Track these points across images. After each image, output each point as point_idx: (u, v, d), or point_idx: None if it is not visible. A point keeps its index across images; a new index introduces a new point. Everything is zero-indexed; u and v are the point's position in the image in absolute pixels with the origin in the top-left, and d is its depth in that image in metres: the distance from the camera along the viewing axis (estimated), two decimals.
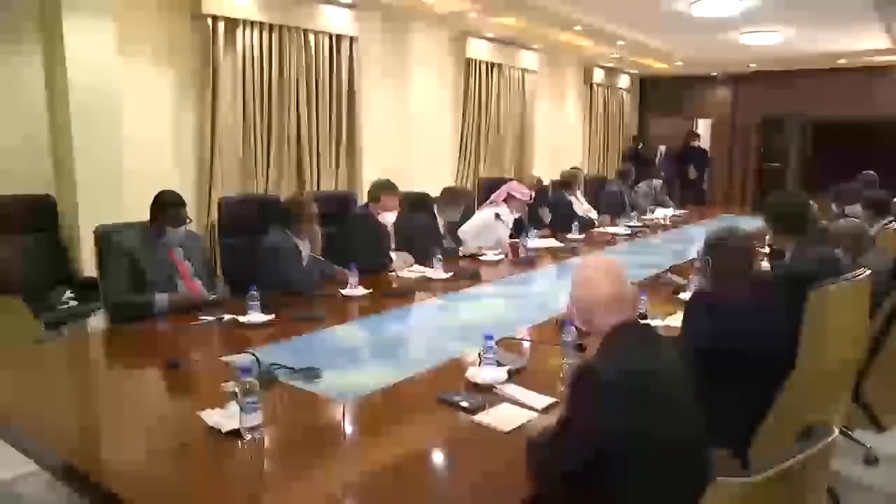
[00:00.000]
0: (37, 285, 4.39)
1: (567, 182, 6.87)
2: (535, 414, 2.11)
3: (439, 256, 4.14)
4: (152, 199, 3.45)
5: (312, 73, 6.45)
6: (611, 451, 1.58)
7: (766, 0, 6.83)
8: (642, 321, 1.98)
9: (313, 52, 6.44)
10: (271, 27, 6.04)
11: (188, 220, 3.48)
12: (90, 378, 2.75)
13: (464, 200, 5.17)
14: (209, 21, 5.56)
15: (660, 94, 13.42)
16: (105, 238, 3.48)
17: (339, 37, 6.67)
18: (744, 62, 11.31)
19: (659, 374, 1.70)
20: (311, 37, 6.42)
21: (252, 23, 5.88)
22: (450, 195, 5.06)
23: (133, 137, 5.08)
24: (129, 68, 5.06)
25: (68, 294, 4.35)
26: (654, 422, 1.60)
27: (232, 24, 5.74)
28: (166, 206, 3.43)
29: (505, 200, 5.45)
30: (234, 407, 1.96)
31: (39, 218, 4.63)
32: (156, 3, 5.30)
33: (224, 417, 1.98)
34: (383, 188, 4.49)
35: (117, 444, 2.06)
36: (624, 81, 12.67)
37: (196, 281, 3.45)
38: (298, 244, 3.83)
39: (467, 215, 5.41)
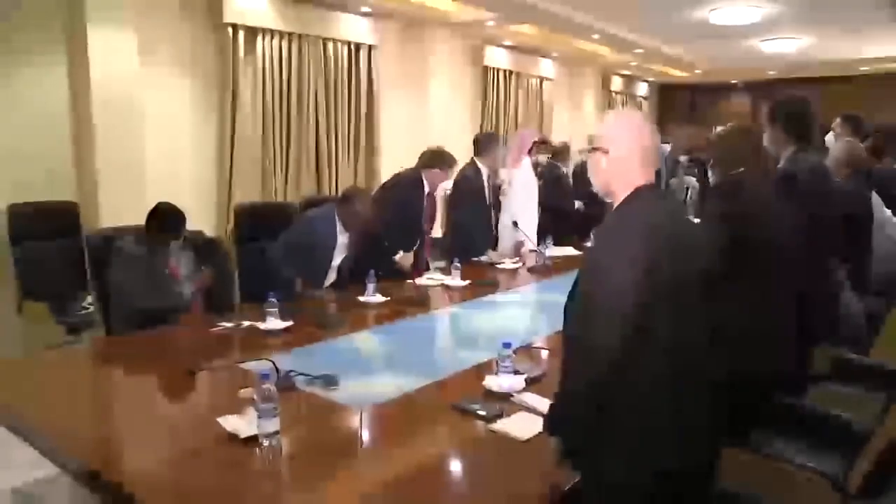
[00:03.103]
0: (59, 291, 4.44)
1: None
2: None
3: (457, 264, 4.13)
4: (150, 210, 3.40)
5: (331, 81, 6.50)
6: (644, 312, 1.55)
7: (786, 7, 6.79)
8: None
9: (332, 60, 6.49)
10: (291, 36, 6.09)
11: (184, 236, 3.45)
12: (110, 383, 2.78)
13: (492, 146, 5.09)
14: (229, 30, 5.63)
15: (678, 102, 13.36)
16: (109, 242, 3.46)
17: (357, 45, 6.72)
18: (763, 70, 11.25)
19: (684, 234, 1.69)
20: (330, 45, 6.47)
21: (272, 31, 5.94)
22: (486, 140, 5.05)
23: (154, 144, 5.14)
24: (151, 76, 5.12)
25: (89, 300, 4.40)
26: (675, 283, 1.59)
27: (252, 32, 5.80)
28: (166, 223, 3.40)
29: (529, 151, 5.46)
30: (252, 413, 1.97)
31: (63, 224, 4.68)
32: (178, 12, 5.37)
33: (242, 423, 1.99)
34: (442, 161, 4.48)
35: (137, 449, 2.07)
36: (642, 89, 12.64)
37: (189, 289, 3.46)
38: (339, 236, 3.85)
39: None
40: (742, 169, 2.50)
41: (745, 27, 7.72)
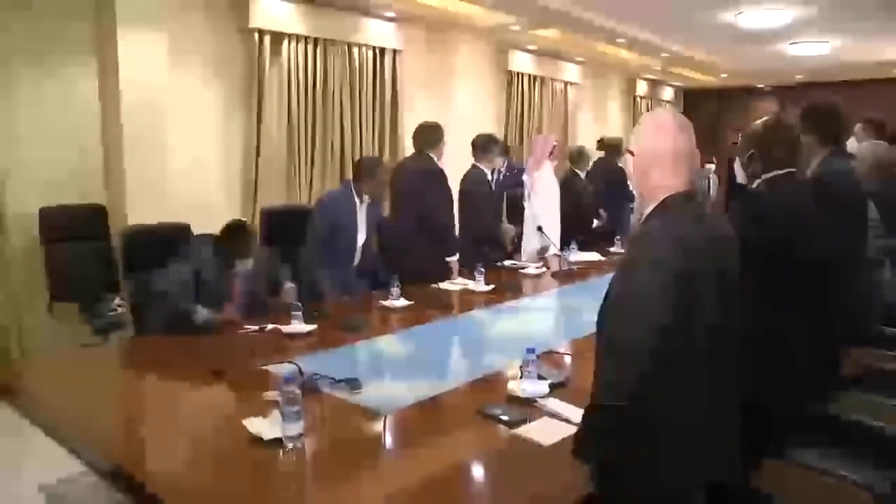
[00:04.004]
0: (88, 292, 4.50)
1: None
2: (575, 428, 2.08)
3: (481, 269, 4.12)
4: (224, 227, 3.36)
5: (356, 86, 6.53)
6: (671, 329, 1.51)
7: (816, 10, 6.69)
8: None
9: (357, 64, 6.53)
10: (316, 41, 6.13)
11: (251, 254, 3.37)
12: (137, 383, 2.80)
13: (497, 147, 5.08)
14: (256, 35, 5.68)
15: (703, 107, 13.24)
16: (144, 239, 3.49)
17: (382, 50, 6.75)
18: (791, 73, 11.11)
19: (710, 252, 1.64)
20: (356, 50, 6.50)
21: (297, 36, 5.98)
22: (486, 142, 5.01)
23: (181, 148, 5.20)
24: (179, 81, 5.17)
25: (117, 301, 4.45)
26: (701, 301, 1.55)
27: (278, 37, 5.84)
28: (237, 234, 3.34)
29: (550, 155, 5.45)
30: (276, 416, 1.98)
31: (91, 227, 4.74)
32: (204, 17, 5.42)
33: (266, 426, 2.00)
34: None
35: (162, 449, 2.09)
36: (668, 94, 12.56)
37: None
38: (356, 202, 3.87)
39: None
40: (778, 171, 2.42)
41: (773, 30, 7.63)
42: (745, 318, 1.68)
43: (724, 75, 11.28)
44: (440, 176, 4.36)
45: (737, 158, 2.59)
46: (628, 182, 6.06)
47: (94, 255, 4.65)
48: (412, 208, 4.28)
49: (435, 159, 4.41)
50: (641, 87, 11.65)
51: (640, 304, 1.54)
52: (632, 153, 1.77)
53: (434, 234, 4.27)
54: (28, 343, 4.36)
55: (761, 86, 12.42)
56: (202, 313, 3.17)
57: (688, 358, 1.55)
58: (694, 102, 13.38)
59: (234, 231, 3.34)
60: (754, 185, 2.46)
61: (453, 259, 4.38)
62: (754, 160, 2.44)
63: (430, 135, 4.46)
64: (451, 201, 4.53)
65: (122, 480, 1.89)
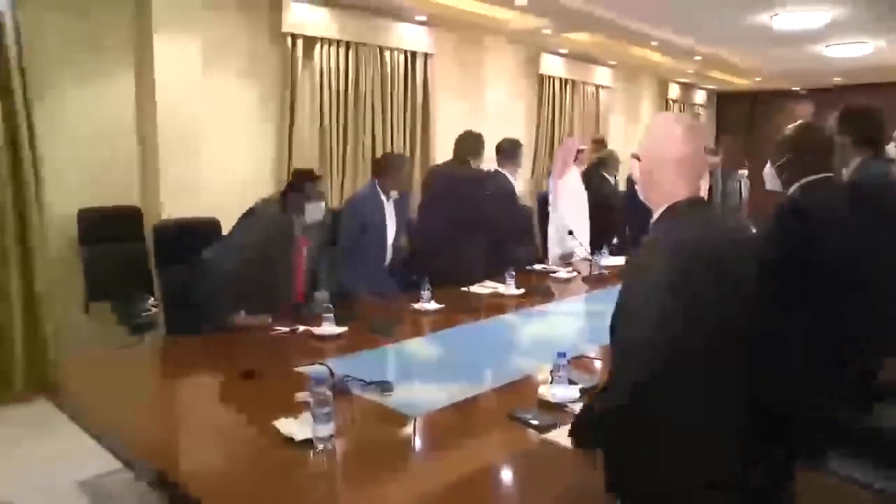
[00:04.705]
0: (123, 293, 4.58)
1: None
2: None
3: (511, 272, 4.11)
4: (293, 173, 3.42)
5: (388, 89, 6.57)
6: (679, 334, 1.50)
7: (855, 10, 6.56)
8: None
9: (389, 68, 6.56)
10: (348, 45, 6.18)
11: (326, 199, 3.41)
12: (170, 384, 2.85)
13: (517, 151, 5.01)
14: (288, 39, 5.74)
15: (737, 110, 13.07)
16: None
17: (414, 53, 6.78)
18: (828, 76, 10.90)
19: (727, 257, 1.60)
20: (387, 54, 6.54)
21: (330, 41, 6.03)
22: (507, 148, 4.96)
23: (214, 151, 5.27)
24: (213, 84, 5.25)
25: (151, 301, 4.52)
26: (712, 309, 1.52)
27: (310, 42, 5.90)
28: (305, 177, 3.40)
29: (575, 160, 5.42)
30: (307, 417, 1.99)
31: (127, 228, 4.82)
32: (238, 21, 5.50)
33: (297, 427, 2.01)
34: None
35: (195, 448, 2.12)
36: (700, 97, 12.42)
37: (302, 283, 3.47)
38: (384, 200, 3.89)
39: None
40: (813, 176, 2.37)
41: (810, 32, 7.49)
42: (773, 322, 1.65)
43: (758, 78, 11.11)
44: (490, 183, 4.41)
45: (767, 164, 2.55)
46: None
47: (129, 256, 4.72)
48: (458, 212, 4.28)
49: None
50: (674, 91, 11.54)
51: (643, 309, 1.53)
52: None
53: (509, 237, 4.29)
54: (65, 342, 4.43)
55: (797, 89, 12.21)
56: (241, 316, 3.22)
57: (688, 360, 1.53)
58: (727, 106, 13.22)
59: (304, 174, 3.42)
60: (790, 191, 2.43)
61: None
62: (788, 166, 2.40)
63: (474, 144, 4.49)
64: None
65: (156, 478, 1.92)
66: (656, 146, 1.70)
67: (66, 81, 4.67)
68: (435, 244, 4.29)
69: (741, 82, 11.57)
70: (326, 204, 3.44)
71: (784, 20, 6.96)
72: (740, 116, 12.99)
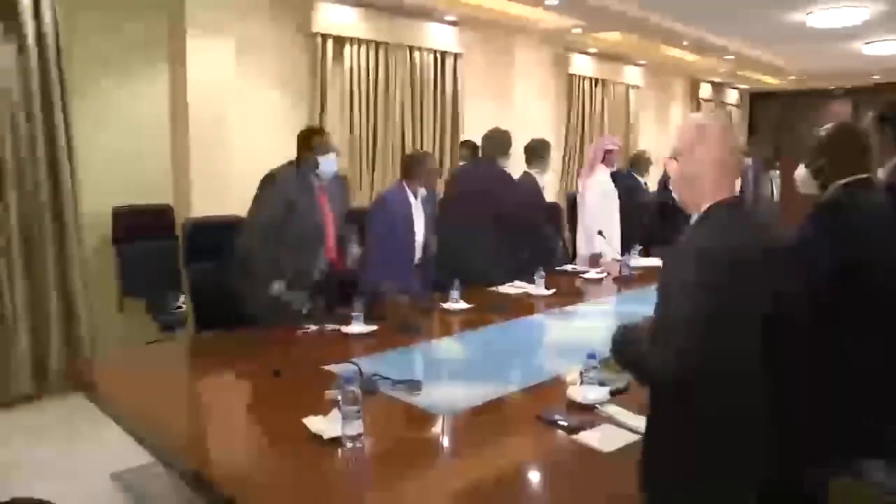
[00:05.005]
0: (155, 289, 4.65)
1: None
2: (636, 436, 2.05)
3: (541, 273, 4.09)
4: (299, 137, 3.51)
5: (417, 89, 6.58)
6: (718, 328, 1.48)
7: (894, 7, 6.41)
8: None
9: (418, 68, 6.57)
10: (378, 45, 6.20)
11: (337, 151, 3.50)
12: (201, 380, 2.89)
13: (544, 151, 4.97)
14: (318, 39, 5.77)
15: (770, 110, 12.87)
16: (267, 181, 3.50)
17: (443, 53, 6.78)
18: (866, 74, 10.68)
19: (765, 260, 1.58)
20: (417, 54, 6.55)
21: (359, 41, 6.06)
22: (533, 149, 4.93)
23: (245, 150, 5.31)
24: (244, 84, 5.29)
25: (182, 298, 4.58)
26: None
27: (340, 41, 5.93)
28: (311, 134, 3.50)
29: (603, 160, 5.36)
30: (336, 415, 2.00)
31: (159, 226, 4.89)
32: (269, 22, 5.54)
33: (326, 424, 2.02)
34: None
35: (225, 444, 2.14)
36: (732, 97, 12.27)
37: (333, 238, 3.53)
38: (412, 200, 3.90)
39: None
40: (852, 177, 2.31)
41: (847, 29, 7.35)
42: (817, 328, 1.62)
43: (792, 77, 10.94)
44: (506, 179, 4.40)
45: (801, 166, 2.49)
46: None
47: (160, 254, 4.77)
48: (484, 211, 4.27)
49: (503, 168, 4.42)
50: (705, 90, 11.41)
51: (677, 320, 1.51)
52: (674, 160, 1.73)
53: (526, 233, 4.28)
54: (99, 338, 4.52)
55: (832, 87, 11.99)
56: (275, 288, 3.28)
57: (730, 360, 1.52)
58: (760, 105, 13.03)
59: (309, 130, 3.53)
60: (827, 193, 2.37)
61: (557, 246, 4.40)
62: (824, 167, 2.34)
63: (501, 141, 4.47)
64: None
65: (188, 472, 1.95)
66: (693, 147, 1.67)
67: (102, 82, 4.74)
68: (454, 244, 4.29)
69: (775, 81, 11.40)
70: (338, 155, 3.51)
71: (820, 17, 6.84)
72: (773, 116, 12.79)
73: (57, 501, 1.98)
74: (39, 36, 4.15)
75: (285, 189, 3.33)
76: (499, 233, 4.27)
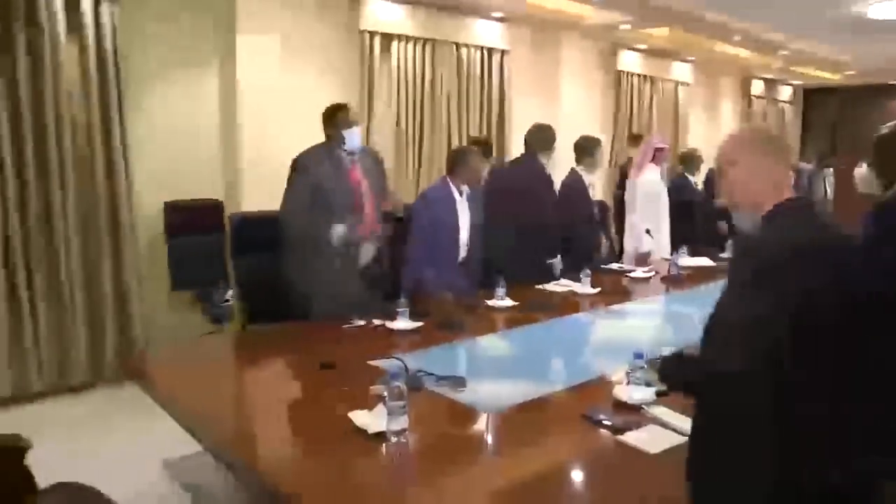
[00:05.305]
0: (204, 283, 4.74)
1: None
2: (683, 438, 2.02)
3: (587, 271, 4.06)
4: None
5: (464, 86, 6.58)
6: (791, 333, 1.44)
7: None
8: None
9: (465, 65, 6.57)
10: (425, 41, 6.22)
11: (359, 122, 3.60)
12: (249, 373, 2.94)
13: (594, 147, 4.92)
14: (366, 36, 5.81)
15: (826, 107, 12.51)
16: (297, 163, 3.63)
17: (490, 50, 6.76)
18: None
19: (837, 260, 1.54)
20: (463, 50, 6.54)
21: (406, 38, 6.08)
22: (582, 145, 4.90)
23: (293, 146, 5.34)
24: (292, 81, 5.35)
25: (231, 292, 4.66)
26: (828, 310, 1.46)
27: (387, 38, 5.96)
28: (334, 109, 3.60)
29: (653, 159, 5.29)
30: (381, 410, 2.02)
31: (209, 220, 4.97)
32: (317, 19, 5.59)
33: (371, 419, 2.04)
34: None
35: (272, 436, 2.18)
36: (785, 94, 11.97)
37: (373, 211, 3.57)
38: (456, 197, 3.90)
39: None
40: None
41: None
42: (880, 337, 1.57)
43: (850, 73, 10.62)
44: (543, 178, 4.34)
45: (862, 165, 2.42)
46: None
47: (210, 248, 4.86)
48: (511, 209, 4.26)
49: (544, 162, 4.38)
50: (757, 87, 11.15)
51: (749, 324, 1.48)
52: (730, 162, 1.70)
53: (532, 234, 4.24)
54: (151, 330, 4.64)
55: (894, 83, 11.58)
56: (338, 231, 3.37)
57: (797, 356, 1.47)
58: (815, 102, 12.67)
59: (331, 107, 3.64)
60: (890, 193, 2.29)
61: (555, 261, 4.35)
62: (889, 166, 2.26)
63: (544, 136, 4.44)
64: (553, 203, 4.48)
65: (235, 463, 1.99)
66: (743, 155, 1.67)
67: (154, 81, 4.84)
68: (494, 241, 4.28)
69: (831, 77, 11.07)
70: (361, 128, 3.63)
71: (883, 9, 6.59)
72: (828, 113, 12.42)
73: (109, 487, 2.05)
74: (98, 37, 4.28)
75: (311, 172, 3.45)
76: (530, 232, 4.24)
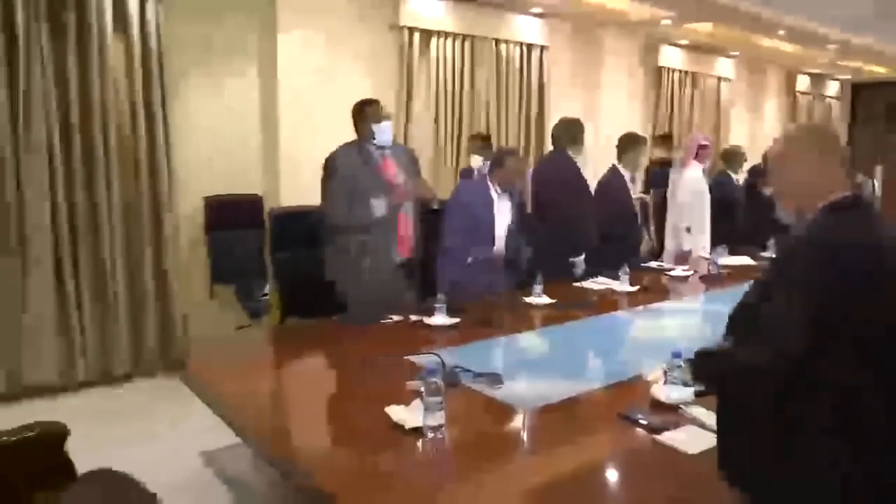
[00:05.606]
0: (243, 277, 4.81)
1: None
2: None
3: (626, 269, 4.02)
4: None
5: (503, 82, 6.57)
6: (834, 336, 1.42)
7: None
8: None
9: (504, 61, 6.55)
10: (464, 37, 6.21)
11: (389, 117, 3.63)
12: (287, 367, 2.97)
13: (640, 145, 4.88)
14: (406, 32, 5.82)
15: (875, 102, 12.15)
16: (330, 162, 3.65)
17: (529, 46, 6.73)
18: None
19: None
20: (503, 46, 6.52)
21: (445, 34, 6.08)
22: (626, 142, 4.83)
23: (332, 142, 5.39)
24: (331, 77, 5.38)
25: (268, 287, 4.71)
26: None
27: (427, 34, 5.97)
28: (364, 104, 3.62)
29: (696, 156, 5.21)
30: (418, 405, 2.02)
31: (249, 216, 5.04)
32: (358, 15, 5.62)
33: (408, 414, 2.05)
34: None
35: (309, 430, 2.20)
36: (832, 89, 11.68)
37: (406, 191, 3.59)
38: (494, 196, 3.89)
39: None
40: None
41: None
42: None
43: None
44: (569, 173, 4.31)
45: None
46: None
47: (249, 242, 4.93)
48: (542, 207, 4.24)
49: (574, 157, 4.34)
50: (802, 83, 10.91)
51: (785, 319, 1.45)
52: (783, 155, 1.67)
53: (557, 231, 4.21)
54: (191, 323, 4.71)
55: None
56: (379, 205, 3.41)
57: (850, 352, 1.44)
58: (864, 98, 12.31)
59: (361, 102, 3.66)
60: None
61: (577, 259, 4.31)
62: None
63: (570, 131, 4.40)
64: (584, 200, 4.43)
65: (272, 456, 2.01)
66: (791, 159, 1.65)
67: (198, 78, 4.92)
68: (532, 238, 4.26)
69: (881, 70, 10.77)
70: (393, 124, 3.64)
71: None
72: (878, 108, 12.06)
73: (146, 476, 2.09)
74: (143, 35, 4.36)
75: (342, 171, 3.48)
76: (556, 229, 4.22)
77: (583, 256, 4.34)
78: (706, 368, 1.68)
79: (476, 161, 5.18)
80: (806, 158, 1.63)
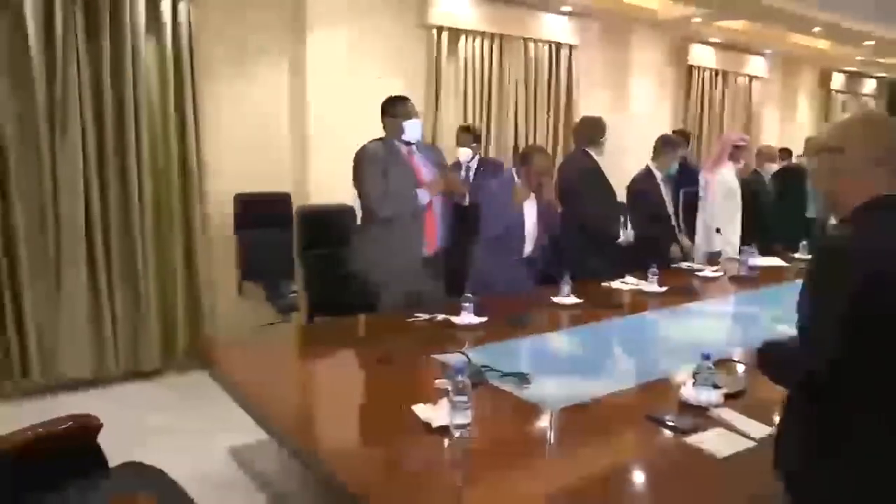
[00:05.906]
0: (272, 274, 4.85)
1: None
2: (751, 443, 1.97)
3: (655, 269, 3.98)
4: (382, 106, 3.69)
5: (531, 81, 6.54)
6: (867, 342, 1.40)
7: None
8: None
9: (532, 60, 6.52)
10: (493, 36, 6.20)
11: (418, 115, 3.66)
12: (314, 364, 2.99)
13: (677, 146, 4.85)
14: (434, 31, 5.83)
15: None
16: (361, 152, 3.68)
17: (558, 45, 6.70)
18: None
19: None
20: (531, 45, 6.50)
21: (474, 33, 6.07)
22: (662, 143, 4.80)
23: (361, 141, 5.42)
24: (360, 76, 5.41)
25: (297, 284, 4.75)
26: None
27: (455, 33, 5.97)
28: (395, 101, 3.64)
29: (731, 157, 5.14)
30: (445, 404, 2.03)
31: (277, 213, 5.07)
32: (386, 14, 5.64)
33: (435, 413, 2.05)
34: None
35: (336, 427, 2.21)
36: (869, 87, 11.46)
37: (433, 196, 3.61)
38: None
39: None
40: None
41: None
42: None
43: None
44: (587, 172, 4.29)
45: None
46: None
47: (278, 240, 4.95)
48: (566, 206, 4.22)
49: (595, 157, 4.32)
50: (837, 81, 10.71)
51: (826, 322, 1.43)
52: (834, 149, 1.61)
53: (575, 230, 4.20)
54: (220, 319, 4.77)
55: None
56: (422, 195, 3.48)
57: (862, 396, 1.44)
58: None
59: (390, 99, 3.68)
60: None
61: (628, 232, 4.31)
62: None
63: (590, 130, 4.38)
64: (602, 197, 4.40)
65: (300, 452, 2.03)
66: (864, 138, 1.57)
67: (229, 77, 4.96)
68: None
69: None
70: (422, 123, 3.67)
71: None
72: None
73: (175, 470, 2.12)
74: (175, 35, 4.41)
75: (375, 160, 3.51)
76: (573, 227, 4.21)
77: (630, 230, 4.34)
78: (771, 361, 1.65)
79: (464, 154, 5.10)
80: (863, 156, 1.56)
